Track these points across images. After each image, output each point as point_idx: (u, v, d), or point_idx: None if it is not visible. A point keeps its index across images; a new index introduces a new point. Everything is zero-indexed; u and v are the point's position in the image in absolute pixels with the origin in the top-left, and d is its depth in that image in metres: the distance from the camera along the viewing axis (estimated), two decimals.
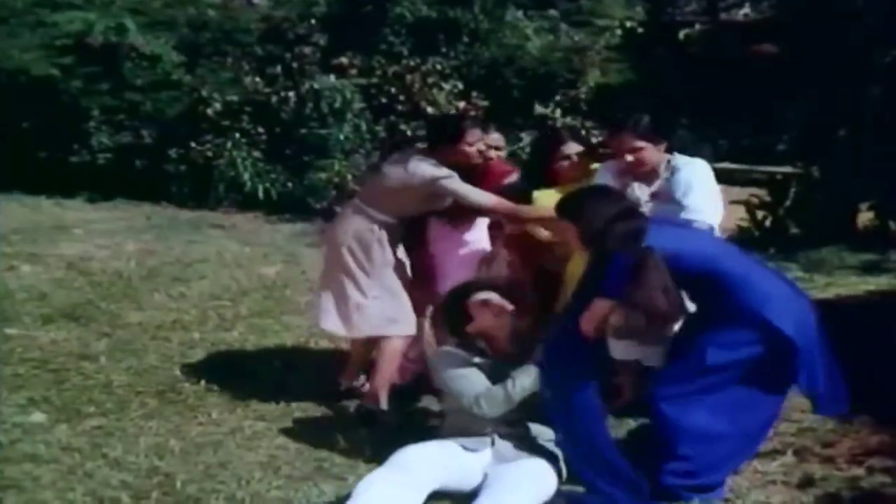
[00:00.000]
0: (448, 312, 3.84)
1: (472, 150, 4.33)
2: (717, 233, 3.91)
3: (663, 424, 3.38)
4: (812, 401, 3.44)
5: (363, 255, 4.34)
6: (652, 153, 3.84)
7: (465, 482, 3.44)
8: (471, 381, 3.60)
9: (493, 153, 4.52)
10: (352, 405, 4.45)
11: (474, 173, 4.40)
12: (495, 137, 4.60)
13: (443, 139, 4.41)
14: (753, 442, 3.50)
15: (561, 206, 3.51)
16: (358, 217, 4.43)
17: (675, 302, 3.29)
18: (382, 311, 4.33)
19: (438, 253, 4.62)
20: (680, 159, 3.93)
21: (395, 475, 3.24)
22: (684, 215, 3.75)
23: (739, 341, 3.28)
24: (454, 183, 4.24)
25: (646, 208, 3.81)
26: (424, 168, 4.29)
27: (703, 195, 3.79)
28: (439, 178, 4.24)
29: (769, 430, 3.60)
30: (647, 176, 3.92)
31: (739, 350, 3.29)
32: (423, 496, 3.27)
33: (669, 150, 3.95)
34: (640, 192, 3.91)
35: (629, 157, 3.83)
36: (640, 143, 3.82)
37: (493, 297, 3.72)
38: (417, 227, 4.57)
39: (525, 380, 3.50)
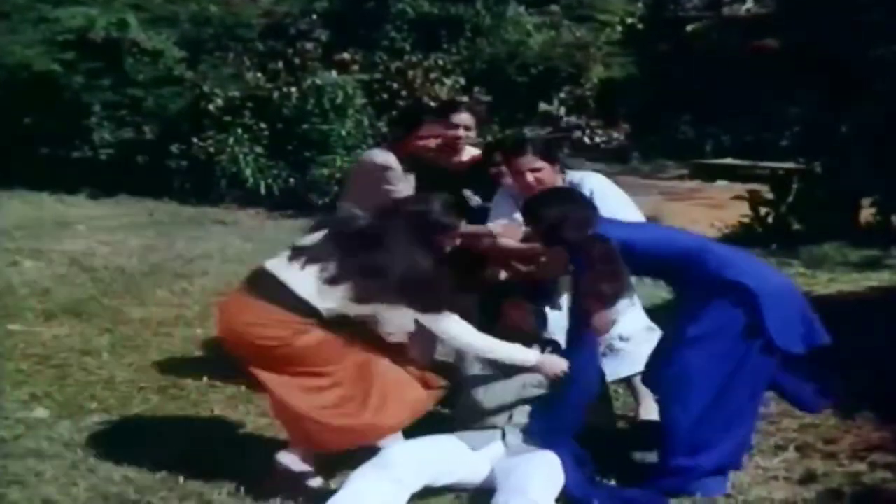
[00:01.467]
0: (486, 308, 3.93)
1: (421, 144, 4.35)
2: None
3: (662, 406, 3.47)
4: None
5: None
6: (550, 173, 4.01)
7: (470, 477, 3.43)
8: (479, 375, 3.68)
9: (461, 132, 4.50)
10: None
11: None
12: (463, 118, 4.52)
13: (400, 130, 4.49)
14: (747, 415, 3.50)
15: (526, 212, 3.70)
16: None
17: (622, 285, 3.43)
18: None
19: None
20: (574, 175, 4.12)
21: (378, 471, 3.25)
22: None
23: (712, 309, 3.38)
24: (390, 175, 4.27)
25: None
26: (374, 154, 4.39)
27: (618, 203, 3.96)
28: (380, 167, 4.29)
29: (760, 401, 3.58)
30: None
31: (713, 318, 3.37)
32: (408, 492, 3.26)
33: (562, 169, 4.14)
34: None
35: (530, 177, 3.98)
36: (541, 164, 3.99)
37: (524, 301, 3.83)
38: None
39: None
